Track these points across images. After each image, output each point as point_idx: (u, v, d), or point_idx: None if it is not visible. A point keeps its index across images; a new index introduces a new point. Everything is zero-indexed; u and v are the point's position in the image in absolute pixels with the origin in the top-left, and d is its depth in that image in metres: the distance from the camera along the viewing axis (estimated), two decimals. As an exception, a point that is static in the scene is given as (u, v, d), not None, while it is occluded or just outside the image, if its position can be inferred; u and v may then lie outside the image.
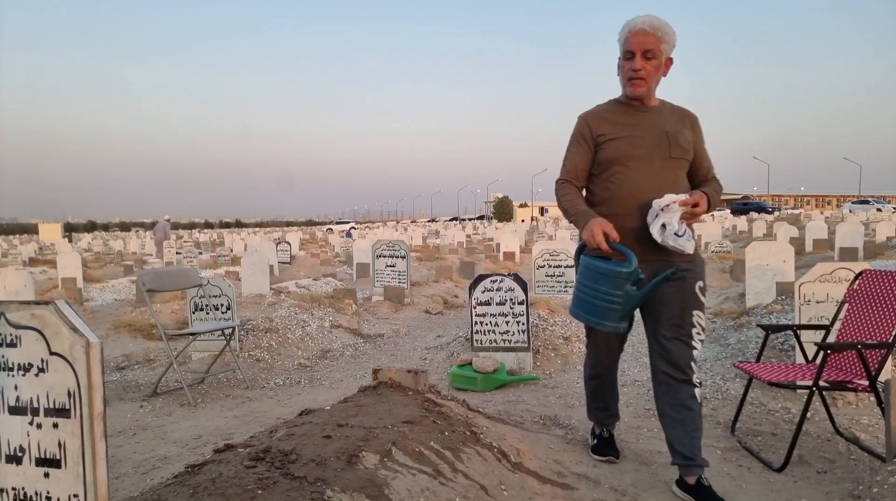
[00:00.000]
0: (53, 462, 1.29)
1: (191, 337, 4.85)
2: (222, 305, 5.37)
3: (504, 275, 4.44)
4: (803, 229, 16.44)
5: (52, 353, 1.28)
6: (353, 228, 48.08)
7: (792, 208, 53.60)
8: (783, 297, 5.50)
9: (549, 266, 7.21)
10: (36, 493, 1.31)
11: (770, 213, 39.16)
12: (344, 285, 10.18)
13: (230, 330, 4.81)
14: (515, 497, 2.30)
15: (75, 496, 1.28)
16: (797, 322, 3.54)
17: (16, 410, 1.32)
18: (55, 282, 11.51)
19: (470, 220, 67.36)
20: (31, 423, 1.31)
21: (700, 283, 2.40)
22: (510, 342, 4.35)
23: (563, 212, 2.44)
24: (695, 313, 2.38)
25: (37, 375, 1.30)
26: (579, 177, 2.48)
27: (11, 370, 1.32)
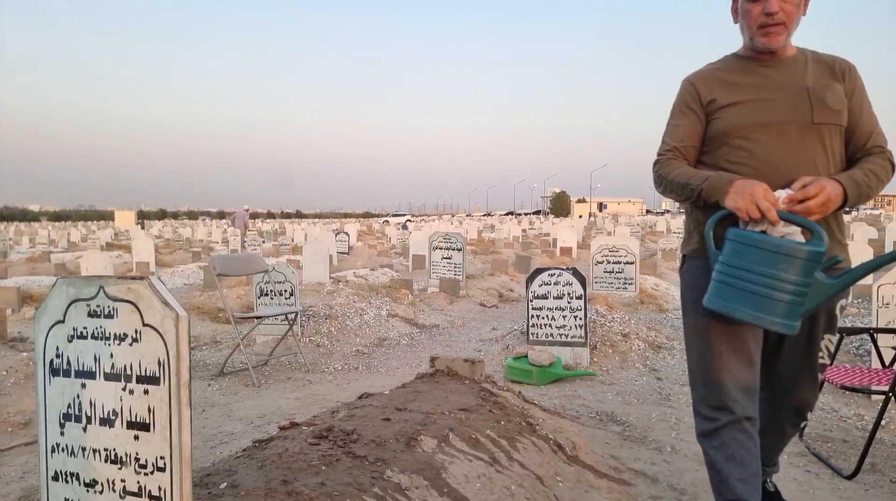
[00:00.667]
0: (143, 426, 1.39)
1: (256, 320, 5.06)
2: (286, 291, 5.57)
3: (562, 269, 4.41)
4: (883, 231, 15.48)
5: (144, 324, 1.38)
6: (409, 220, 48.62)
7: (871, 209, 50.48)
8: (860, 300, 5.22)
9: (608, 262, 7.10)
10: (126, 454, 1.42)
11: (847, 213, 37.04)
12: (400, 275, 10.33)
13: (293, 315, 4.98)
14: (571, 490, 2.30)
15: (162, 457, 1.38)
16: (874, 326, 3.37)
17: (111, 376, 1.43)
18: (130, 266, 12.20)
19: (525, 214, 66.85)
20: (123, 389, 1.41)
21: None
22: (567, 336, 4.33)
23: (678, 188, 1.81)
24: (826, 337, 1.85)
25: (131, 344, 1.40)
26: (685, 154, 1.88)
27: (108, 339, 1.43)
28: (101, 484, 1.45)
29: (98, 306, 1.44)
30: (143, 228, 43.42)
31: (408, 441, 2.28)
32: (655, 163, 1.91)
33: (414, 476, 2.07)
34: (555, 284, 4.35)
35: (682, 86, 1.94)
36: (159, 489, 1.38)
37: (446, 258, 8.70)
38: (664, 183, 1.88)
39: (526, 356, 4.11)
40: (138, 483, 1.41)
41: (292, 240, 21.61)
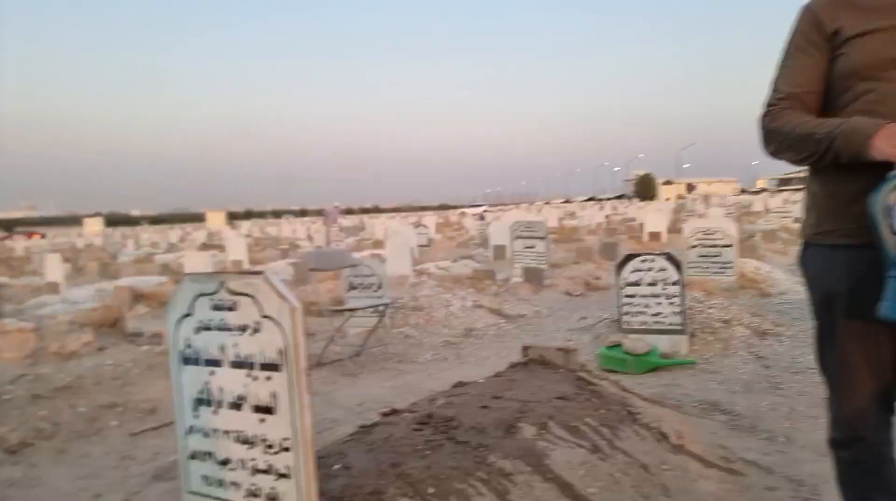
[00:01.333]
0: (268, 410, 1.49)
1: (348, 313, 5.24)
2: (374, 284, 5.73)
3: (655, 254, 4.26)
4: None
5: (263, 316, 1.47)
6: (486, 211, 48.58)
7: None
8: None
9: (703, 246, 6.77)
10: (254, 435, 1.52)
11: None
12: (482, 266, 10.36)
13: (383, 307, 5.12)
14: (679, 479, 2.23)
15: (286, 439, 1.46)
16: None
17: (237, 364, 1.53)
18: (225, 264, 12.97)
19: (608, 199, 64.98)
20: (248, 375, 1.51)
21: None
22: (663, 324, 4.18)
23: (799, 141, 1.45)
24: None
25: (252, 334, 1.50)
26: (804, 102, 1.51)
27: (231, 330, 1.53)
28: (234, 463, 1.56)
29: (220, 299, 1.55)
30: (232, 228, 45.99)
31: (507, 428, 2.30)
32: (764, 115, 1.55)
33: (516, 461, 2.08)
34: (647, 270, 4.21)
35: (800, 15, 1.55)
36: (286, 467, 1.47)
37: (529, 247, 8.63)
38: (778, 138, 1.51)
39: (619, 345, 4.01)
40: (267, 461, 1.50)
41: (372, 235, 22.18)
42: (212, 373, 1.58)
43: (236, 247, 12.25)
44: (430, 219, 24.97)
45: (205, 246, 23.27)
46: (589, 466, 2.12)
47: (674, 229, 15.63)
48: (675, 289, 4.16)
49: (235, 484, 1.57)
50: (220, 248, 18.00)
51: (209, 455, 1.61)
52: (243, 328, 1.51)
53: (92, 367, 4.00)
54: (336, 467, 1.96)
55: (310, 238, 23.19)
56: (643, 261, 4.25)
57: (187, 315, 1.61)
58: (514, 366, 3.19)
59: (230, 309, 1.53)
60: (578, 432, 2.34)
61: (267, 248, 20.34)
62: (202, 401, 1.61)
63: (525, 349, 3.26)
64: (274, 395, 1.47)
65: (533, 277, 8.13)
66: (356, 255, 13.34)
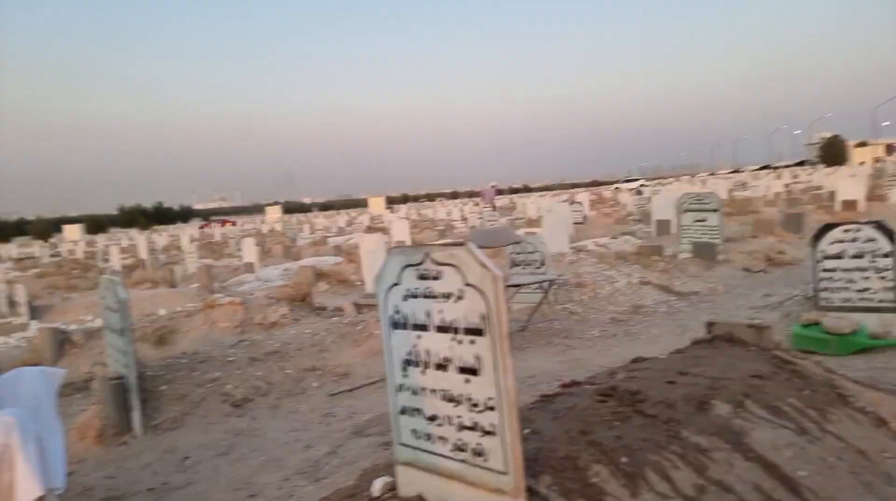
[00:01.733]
0: (472, 371, 1.60)
1: (514, 289, 5.34)
2: (536, 260, 5.77)
3: (861, 223, 3.77)
4: None
5: (467, 284, 1.57)
6: (643, 185, 46.21)
7: None
8: None
9: (915, 213, 5.85)
10: (459, 394, 1.64)
11: None
12: (645, 242, 9.91)
13: (548, 283, 5.14)
14: (906, 470, 2.00)
15: (490, 398, 1.56)
16: None
17: (442, 329, 1.66)
18: (389, 245, 13.82)
19: (786, 167, 58.20)
20: (453, 339, 1.63)
21: None
22: (871, 300, 3.70)
23: None
24: None
25: (455, 302, 1.61)
26: None
27: (436, 297, 1.66)
28: (441, 419, 1.70)
29: (426, 269, 1.68)
30: (392, 212, 48.64)
31: (698, 404, 2.21)
32: None
33: (712, 438, 2.00)
34: (851, 241, 3.74)
35: None
36: (491, 425, 1.57)
37: (699, 221, 8.07)
38: None
39: (817, 324, 3.63)
40: (472, 419, 1.62)
41: (525, 214, 22.18)
42: (419, 337, 1.73)
43: (399, 229, 13.00)
44: (583, 196, 24.30)
45: (369, 229, 24.99)
46: (796, 448, 1.98)
47: (873, 196, 13.62)
48: (886, 262, 3.65)
49: (443, 439, 1.71)
50: (384, 230, 19.24)
51: (418, 411, 1.77)
52: (447, 296, 1.63)
53: (293, 335, 4.54)
54: (526, 431, 2.04)
55: (463, 219, 23.82)
56: (845, 231, 3.78)
57: (395, 284, 1.77)
58: (697, 343, 3.05)
59: (435, 278, 1.65)
60: (780, 412, 2.18)
61: (425, 229, 21.29)
62: (410, 362, 1.77)
63: (710, 325, 3.10)
64: (478, 357, 1.57)
65: (704, 252, 7.61)
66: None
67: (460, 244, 1.60)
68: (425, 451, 1.77)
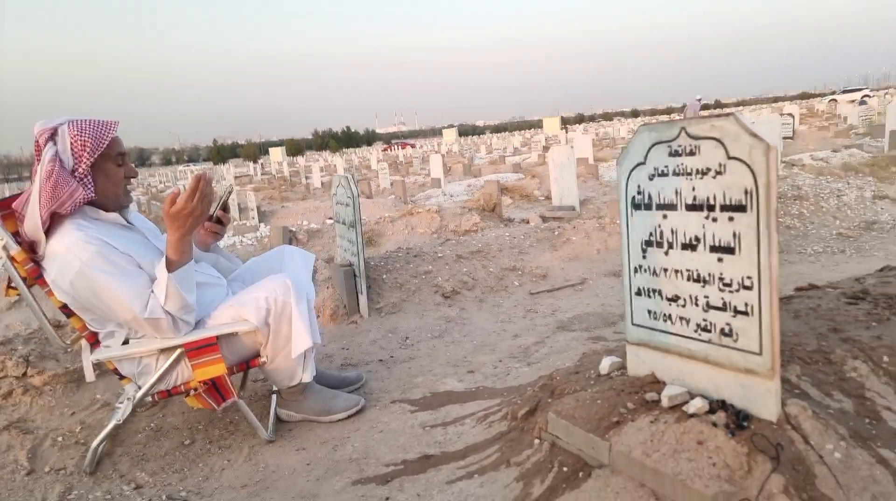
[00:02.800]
0: (727, 250, 1.54)
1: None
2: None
3: None
4: None
5: (729, 157, 1.49)
6: (867, 96, 39.15)
7: None
8: None
9: None
10: (709, 274, 1.61)
11: None
12: (873, 156, 8.51)
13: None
14: None
15: (748, 277, 1.51)
16: None
17: (693, 207, 1.61)
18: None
19: None
20: (706, 218, 1.58)
21: None
22: None
23: None
24: None
25: (714, 177, 1.54)
26: None
27: (689, 174, 1.61)
28: (684, 299, 1.69)
29: (679, 145, 1.62)
30: (566, 132, 47.15)
31: (983, 314, 1.93)
32: None
33: None
34: None
35: None
36: (745, 305, 1.52)
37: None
38: None
39: None
40: (722, 299, 1.58)
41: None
42: (664, 217, 1.70)
43: (583, 144, 12.60)
44: (792, 108, 21.30)
45: (545, 148, 24.61)
46: None
47: None
48: None
49: (684, 319, 1.70)
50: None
51: (655, 291, 1.77)
52: (704, 172, 1.56)
53: (494, 237, 4.74)
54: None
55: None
56: None
57: (640, 164, 1.74)
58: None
59: (690, 154, 1.59)
60: None
61: (605, 148, 20.40)
62: (651, 243, 1.76)
63: None
64: (736, 235, 1.51)
65: (964, 164, 6.32)
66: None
67: (728, 115, 1.51)
68: (661, 331, 1.78)
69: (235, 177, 29.60)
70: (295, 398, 2.44)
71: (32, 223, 2.02)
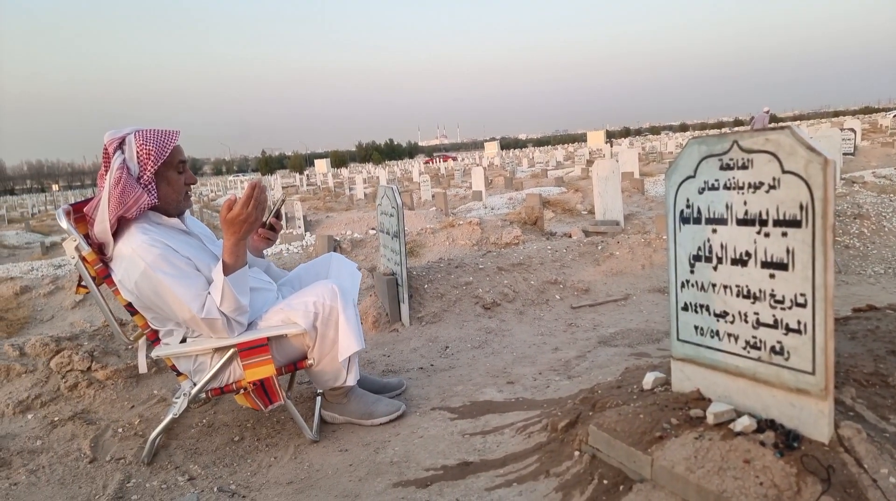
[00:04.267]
0: (779, 266, 1.52)
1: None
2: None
3: None
4: None
5: (784, 171, 1.48)
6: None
7: None
8: None
9: None
10: (760, 290, 1.58)
11: None
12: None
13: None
14: None
15: (802, 295, 1.48)
16: None
17: (744, 222, 1.60)
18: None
19: None
20: (758, 233, 1.56)
21: None
22: None
23: None
24: None
25: (767, 191, 1.53)
26: None
27: (741, 188, 1.59)
28: (732, 316, 1.67)
29: (731, 159, 1.61)
30: (611, 146, 46.63)
31: None
32: None
33: None
34: None
35: None
36: (798, 322, 1.49)
37: None
38: None
39: None
40: (773, 316, 1.56)
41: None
42: (714, 231, 1.68)
43: (629, 159, 12.45)
44: (854, 123, 20.50)
45: (588, 162, 24.39)
46: None
47: None
48: None
49: (732, 336, 1.68)
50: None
51: (703, 307, 1.75)
52: (756, 186, 1.55)
53: (535, 250, 4.74)
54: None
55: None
56: None
57: (689, 177, 1.74)
58: None
59: (742, 168, 1.58)
60: None
61: (652, 162, 20.08)
62: (699, 257, 1.74)
63: None
64: (790, 251, 1.49)
65: None
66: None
67: (782, 128, 1.50)
68: (708, 347, 1.76)
69: (283, 187, 30.38)
70: (339, 400, 2.50)
71: (102, 227, 2.14)
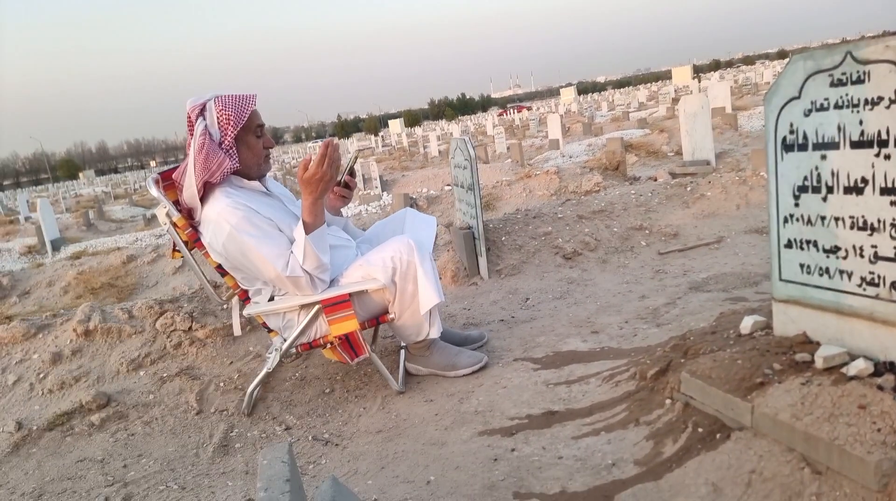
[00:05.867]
0: (903, 191, 1.34)
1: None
2: None
3: None
4: None
5: (909, 82, 1.28)
6: None
7: None
8: None
9: None
10: (879, 220, 1.41)
11: None
12: None
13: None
14: None
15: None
16: None
17: (859, 144, 1.42)
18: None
19: None
20: (876, 155, 1.38)
21: None
22: None
23: None
24: None
25: (888, 107, 1.34)
26: None
27: (856, 106, 1.40)
28: (845, 250, 1.50)
29: (843, 73, 1.42)
30: (699, 81, 43.63)
31: None
32: None
33: None
34: None
35: None
36: (926, 254, 1.32)
37: None
38: None
39: None
40: (895, 248, 1.39)
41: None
42: (823, 157, 1.51)
43: (720, 93, 11.60)
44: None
45: (674, 100, 23.00)
46: None
47: None
48: None
49: (845, 272, 1.52)
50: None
51: (810, 243, 1.59)
52: (875, 102, 1.36)
53: (618, 195, 4.54)
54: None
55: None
56: None
57: (794, 98, 1.55)
58: None
59: (857, 82, 1.39)
60: None
61: (746, 95, 18.64)
62: (806, 188, 1.57)
63: None
64: (915, 173, 1.31)
65: None
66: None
67: (899, 35, 1.29)
68: (816, 286, 1.61)
69: (358, 149, 30.92)
70: (422, 353, 2.53)
71: (189, 192, 2.23)
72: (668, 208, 4.27)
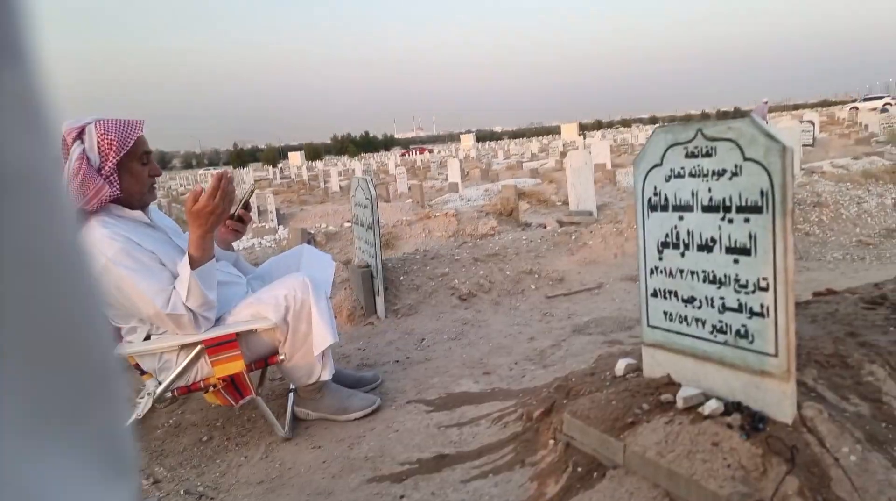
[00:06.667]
0: (743, 251, 1.55)
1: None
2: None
3: None
4: None
5: (745, 159, 1.50)
6: (889, 104, 38.86)
7: None
8: None
9: None
10: (725, 275, 1.61)
11: None
12: (894, 164, 8.39)
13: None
14: None
15: (764, 278, 1.51)
16: None
17: (708, 208, 1.62)
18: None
19: None
20: (722, 219, 1.59)
21: None
22: None
23: None
24: None
25: (729, 179, 1.55)
26: None
27: (706, 176, 1.61)
28: (699, 301, 1.69)
29: (696, 147, 1.63)
30: (584, 138, 47.01)
31: None
32: None
33: None
34: None
35: None
36: (761, 306, 1.52)
37: None
38: None
39: None
40: (738, 300, 1.58)
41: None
42: (681, 218, 1.71)
43: (600, 151, 12.57)
44: (813, 115, 21.11)
45: (562, 154, 24.57)
46: None
47: None
48: None
49: (699, 320, 1.70)
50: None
51: (672, 293, 1.78)
52: (720, 173, 1.57)
53: (510, 240, 4.75)
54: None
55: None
56: None
57: (656, 165, 1.75)
58: None
59: (706, 155, 1.60)
60: None
61: (623, 154, 20.29)
62: (667, 244, 1.77)
63: None
64: (752, 236, 1.52)
65: None
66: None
67: (743, 117, 1.52)
68: (677, 332, 1.79)
69: (255, 180, 29.96)
70: (312, 396, 2.48)
71: (61, 221, 2.08)
72: (555, 254, 4.54)
